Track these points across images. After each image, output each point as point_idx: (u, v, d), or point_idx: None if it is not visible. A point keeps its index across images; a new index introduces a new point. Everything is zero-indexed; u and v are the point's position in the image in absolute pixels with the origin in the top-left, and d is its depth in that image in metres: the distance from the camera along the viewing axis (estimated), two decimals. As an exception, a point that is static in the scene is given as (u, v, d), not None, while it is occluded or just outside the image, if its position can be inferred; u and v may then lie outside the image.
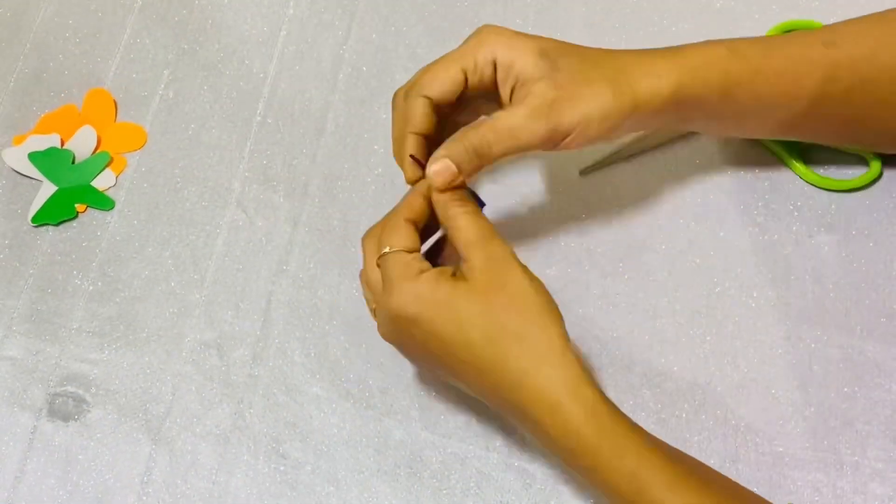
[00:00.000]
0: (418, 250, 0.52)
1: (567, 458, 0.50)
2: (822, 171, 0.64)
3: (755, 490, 0.57)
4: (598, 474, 0.49)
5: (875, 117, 0.58)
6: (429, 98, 0.53)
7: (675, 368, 0.61)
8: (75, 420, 0.61)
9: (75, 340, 0.63)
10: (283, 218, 0.66)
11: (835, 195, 0.64)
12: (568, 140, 0.52)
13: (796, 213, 0.64)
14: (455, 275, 0.50)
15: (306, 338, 0.63)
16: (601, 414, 0.49)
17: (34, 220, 0.66)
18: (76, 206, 0.67)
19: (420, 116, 0.53)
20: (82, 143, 0.69)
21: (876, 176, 0.64)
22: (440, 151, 0.52)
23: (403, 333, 0.51)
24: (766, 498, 0.55)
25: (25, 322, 0.64)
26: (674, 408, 0.60)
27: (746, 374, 0.60)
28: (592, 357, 0.61)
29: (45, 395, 0.62)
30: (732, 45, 0.55)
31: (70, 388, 0.62)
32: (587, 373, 0.49)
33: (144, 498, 0.59)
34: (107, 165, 0.68)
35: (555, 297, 0.62)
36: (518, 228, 0.65)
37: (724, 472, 0.58)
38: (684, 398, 0.60)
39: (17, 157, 0.68)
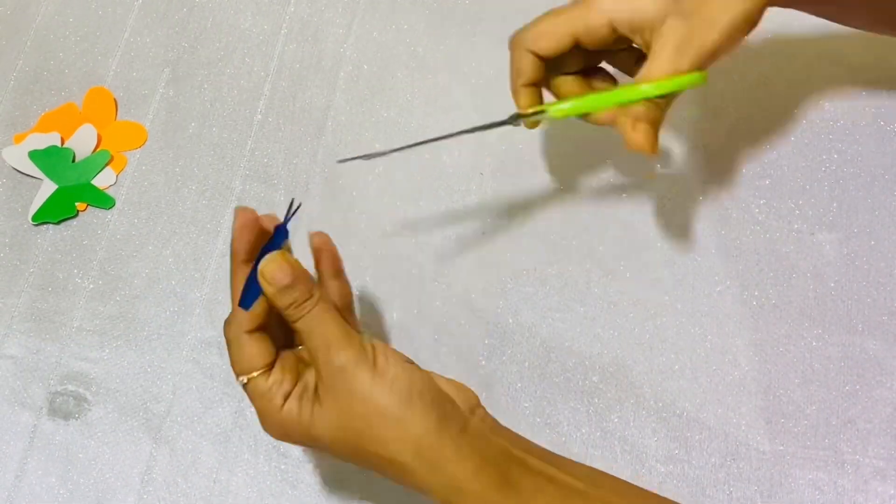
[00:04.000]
0: (274, 360, 0.48)
1: None
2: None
3: (756, 488, 0.57)
4: None
5: None
6: (535, 53, 0.54)
7: (676, 367, 0.61)
8: (76, 419, 0.61)
9: (76, 339, 0.63)
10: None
11: (836, 193, 0.64)
12: (720, 56, 0.51)
13: (798, 212, 0.64)
14: (317, 388, 0.48)
15: (307, 336, 0.63)
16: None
17: (34, 218, 0.66)
18: (76, 204, 0.67)
19: (528, 70, 0.54)
20: (83, 141, 0.69)
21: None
22: (629, 124, 0.52)
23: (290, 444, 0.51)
24: (768, 497, 0.55)
25: (26, 321, 0.64)
26: (674, 407, 0.60)
27: (747, 373, 0.60)
28: (593, 356, 0.61)
29: (46, 393, 0.62)
30: None
31: (70, 387, 0.62)
32: (455, 442, 0.46)
33: (145, 496, 0.59)
34: (107, 164, 0.68)
35: (556, 296, 0.63)
36: (519, 228, 0.65)
37: (724, 470, 0.58)
38: (685, 397, 0.60)
39: (18, 156, 0.68)
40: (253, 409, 0.60)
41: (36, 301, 0.64)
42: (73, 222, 0.67)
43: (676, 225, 0.64)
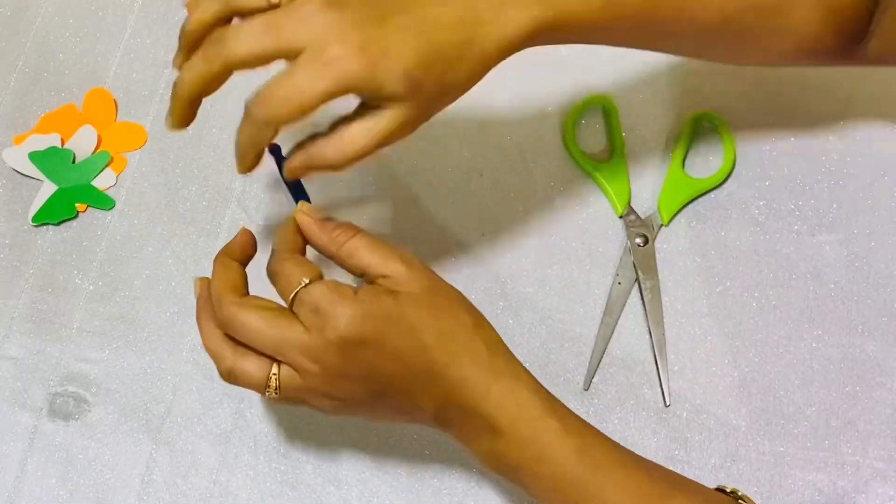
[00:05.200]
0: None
1: (514, 450, 0.49)
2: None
3: (756, 489, 0.57)
4: (545, 466, 0.48)
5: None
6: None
7: (676, 368, 0.61)
8: (76, 420, 0.61)
9: (76, 340, 0.63)
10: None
11: (836, 194, 0.64)
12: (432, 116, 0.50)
13: (797, 213, 0.64)
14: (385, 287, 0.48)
15: (307, 337, 0.63)
16: (546, 398, 0.50)
17: (35, 219, 0.66)
18: (76, 205, 0.67)
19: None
20: (83, 142, 0.69)
21: (729, 170, 0.65)
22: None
23: (350, 365, 0.47)
24: (767, 498, 0.55)
25: (26, 322, 0.64)
26: (675, 407, 0.60)
27: (747, 374, 0.60)
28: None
29: (46, 394, 0.62)
30: None
31: (71, 388, 0.62)
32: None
33: (145, 497, 0.59)
34: (107, 165, 0.68)
35: (556, 297, 0.63)
36: (520, 229, 0.65)
37: (724, 471, 0.58)
38: (685, 398, 0.60)
39: (18, 157, 0.68)
40: (253, 411, 0.61)
41: (36, 302, 0.64)
42: (73, 223, 0.67)
43: (677, 226, 0.64)
